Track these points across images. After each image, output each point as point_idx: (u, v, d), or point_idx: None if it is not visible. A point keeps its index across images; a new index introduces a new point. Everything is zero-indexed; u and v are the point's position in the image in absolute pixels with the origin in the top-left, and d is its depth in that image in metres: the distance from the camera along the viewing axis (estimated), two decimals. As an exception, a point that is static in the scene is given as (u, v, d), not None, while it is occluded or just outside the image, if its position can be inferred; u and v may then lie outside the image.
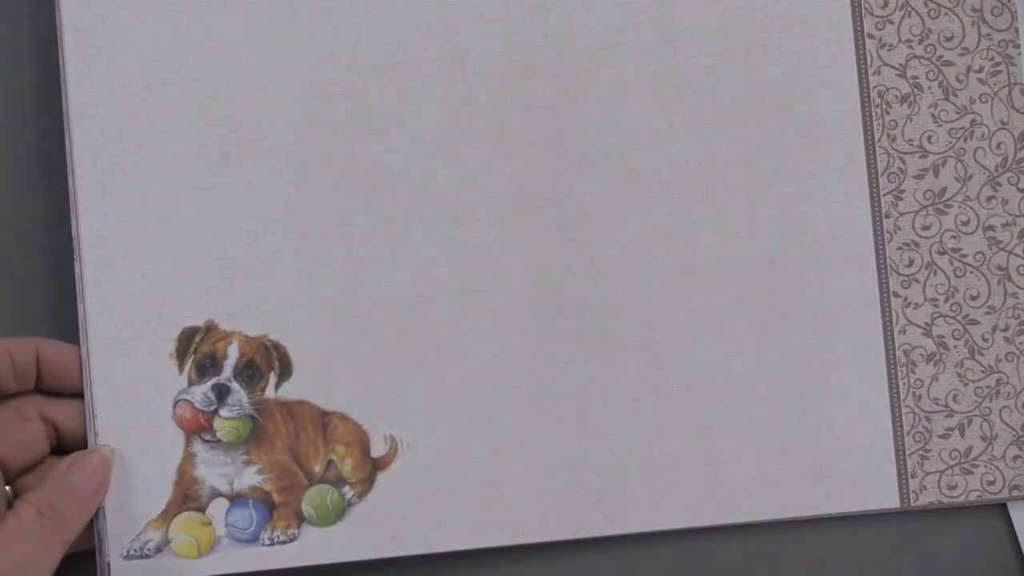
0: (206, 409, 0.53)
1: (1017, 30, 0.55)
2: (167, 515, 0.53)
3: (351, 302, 0.54)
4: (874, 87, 0.55)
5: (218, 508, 0.53)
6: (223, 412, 0.53)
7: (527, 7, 0.54)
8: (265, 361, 0.54)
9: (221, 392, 0.53)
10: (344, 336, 0.54)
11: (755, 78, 0.55)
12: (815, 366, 0.54)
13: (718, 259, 0.54)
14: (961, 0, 0.55)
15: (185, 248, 0.53)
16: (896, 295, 0.55)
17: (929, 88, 0.55)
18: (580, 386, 0.54)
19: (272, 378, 0.54)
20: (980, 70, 0.55)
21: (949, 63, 0.55)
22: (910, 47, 0.55)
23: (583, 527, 0.54)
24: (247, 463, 0.53)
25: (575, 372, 0.54)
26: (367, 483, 0.54)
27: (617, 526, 0.54)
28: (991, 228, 0.55)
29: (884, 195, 0.55)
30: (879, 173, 0.55)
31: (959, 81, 0.55)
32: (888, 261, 0.55)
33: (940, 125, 0.55)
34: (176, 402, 0.53)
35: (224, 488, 0.53)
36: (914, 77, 0.55)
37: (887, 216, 0.55)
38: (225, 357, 0.54)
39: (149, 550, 0.53)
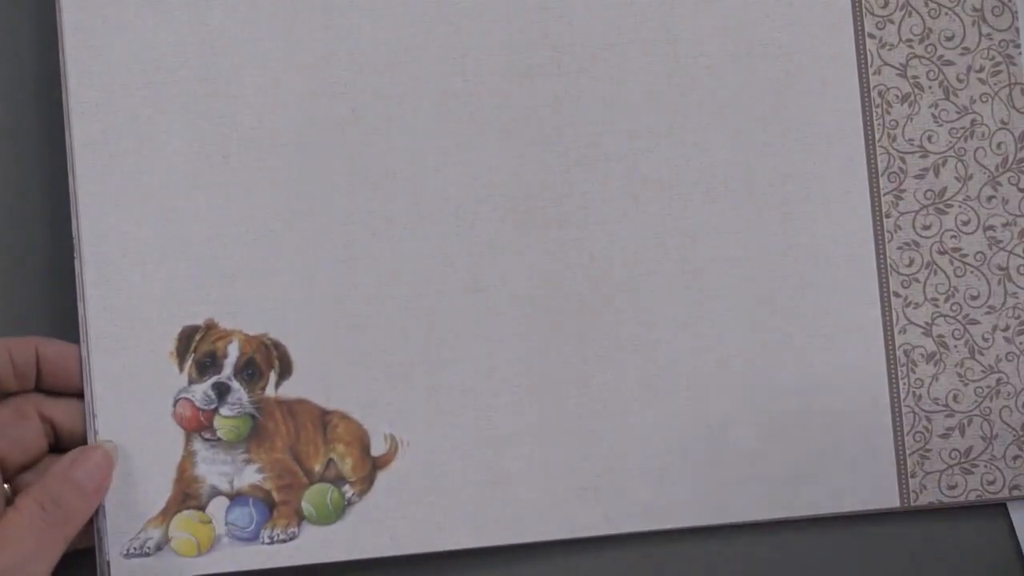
0: (206, 408, 0.53)
1: (1018, 30, 0.55)
2: (167, 513, 0.53)
3: (351, 301, 0.54)
4: (874, 87, 0.55)
5: (218, 506, 0.53)
6: (223, 411, 0.53)
7: (528, 7, 0.54)
8: (265, 360, 0.54)
9: (221, 391, 0.54)
10: (344, 335, 0.54)
11: (756, 78, 0.55)
12: (815, 365, 0.54)
13: (718, 259, 0.54)
14: (962, 0, 0.55)
15: (185, 247, 0.53)
16: (896, 295, 0.55)
17: (930, 88, 0.55)
18: (580, 386, 0.54)
19: (272, 377, 0.54)
20: (981, 70, 0.55)
21: (950, 63, 0.55)
22: (911, 47, 0.55)
23: (583, 527, 0.54)
24: (247, 462, 0.53)
25: (575, 371, 0.54)
26: (367, 482, 0.54)
27: (617, 526, 0.54)
28: (991, 228, 0.55)
29: (884, 195, 0.55)
30: (879, 173, 0.55)
31: (960, 81, 0.55)
32: (888, 261, 0.55)
33: (940, 125, 0.55)
34: (176, 401, 0.53)
35: (224, 487, 0.53)
36: (915, 77, 0.55)
37: (887, 216, 0.55)
38: (225, 356, 0.54)
39: (149, 548, 0.53)
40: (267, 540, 0.53)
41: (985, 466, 0.55)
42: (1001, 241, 0.55)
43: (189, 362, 0.53)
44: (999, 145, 0.55)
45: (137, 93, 0.53)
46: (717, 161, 0.54)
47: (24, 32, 0.56)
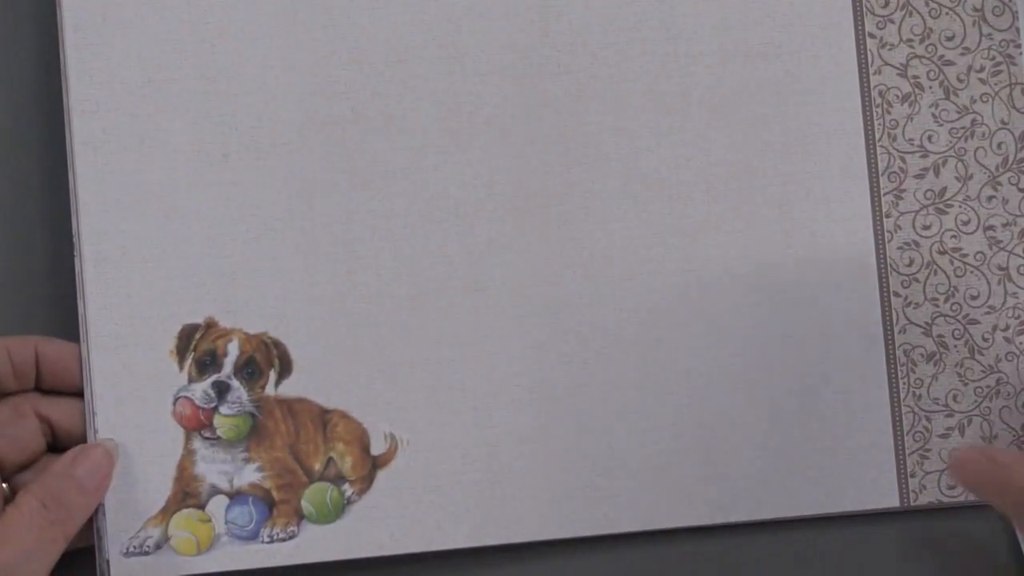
0: (206, 406, 0.53)
1: (1018, 30, 0.55)
2: (167, 512, 0.53)
3: (351, 300, 0.54)
4: (875, 86, 0.55)
5: (218, 505, 0.53)
6: (223, 409, 0.53)
7: (528, 6, 0.54)
8: (265, 358, 0.54)
9: (221, 389, 0.54)
10: (344, 334, 0.54)
11: (756, 77, 0.55)
12: (815, 365, 0.54)
13: (718, 258, 0.54)
14: (962, 0, 0.55)
15: (185, 245, 0.53)
16: (896, 294, 0.55)
17: (930, 88, 0.55)
18: (580, 385, 0.54)
19: (272, 376, 0.54)
20: (981, 70, 0.55)
21: (950, 63, 0.55)
22: (911, 47, 0.55)
23: (582, 526, 0.54)
24: (247, 460, 0.53)
25: (575, 370, 0.54)
26: (367, 481, 0.54)
27: (616, 525, 0.54)
28: (991, 228, 0.55)
29: (884, 194, 0.55)
30: (880, 172, 0.55)
31: (960, 81, 0.55)
32: (888, 260, 0.55)
33: (941, 125, 0.55)
34: (176, 399, 0.53)
35: (224, 485, 0.53)
36: (915, 76, 0.55)
37: (887, 215, 0.55)
38: (225, 354, 0.54)
39: (149, 547, 0.53)
40: (267, 539, 0.53)
41: (985, 466, 0.55)
42: (1001, 241, 0.55)
43: (189, 361, 0.53)
44: (999, 145, 0.55)
45: (137, 92, 0.53)
46: (717, 160, 0.54)
47: (24, 31, 0.56)
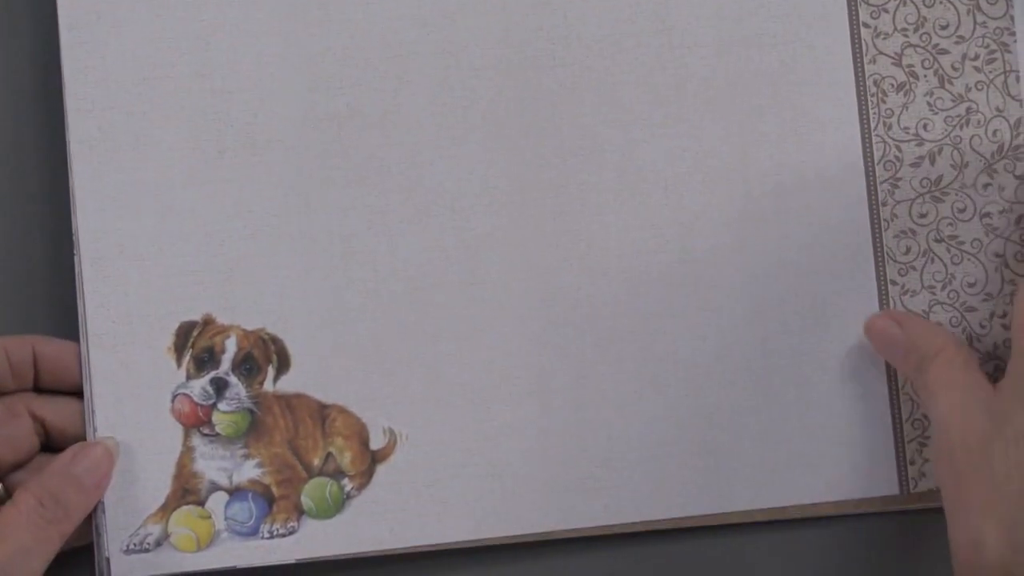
0: (204, 403, 0.53)
1: (1012, 17, 0.55)
2: (166, 509, 0.53)
3: (349, 295, 0.54)
4: (870, 76, 0.55)
5: (217, 502, 0.53)
6: (221, 406, 0.53)
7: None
8: (263, 354, 0.54)
9: (219, 386, 0.54)
10: (342, 329, 0.54)
11: (751, 68, 0.55)
12: (813, 354, 0.54)
13: (715, 249, 0.54)
14: (956, -12, 0.55)
15: (182, 242, 0.53)
16: (893, 283, 0.55)
17: (925, 76, 0.55)
18: (578, 376, 0.54)
19: (270, 371, 0.54)
20: (976, 58, 0.55)
21: (945, 51, 0.55)
22: (905, 35, 0.55)
23: (582, 518, 0.54)
24: (246, 456, 0.53)
25: (573, 362, 0.54)
26: (366, 475, 0.54)
27: (616, 516, 0.54)
28: (988, 215, 0.55)
29: (880, 183, 0.55)
30: (875, 161, 0.55)
31: (955, 69, 0.55)
32: (885, 249, 0.55)
33: (936, 113, 0.55)
34: (174, 396, 0.53)
35: (223, 482, 0.53)
36: (909, 65, 0.55)
37: (884, 204, 0.55)
38: (223, 351, 0.54)
39: (149, 544, 0.53)
40: (267, 535, 0.53)
41: (984, 454, 0.55)
42: (998, 228, 0.55)
43: (187, 358, 0.54)
44: (995, 133, 0.55)
45: (133, 89, 0.53)
46: (713, 151, 0.54)
47: (24, 29, 0.56)
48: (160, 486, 0.53)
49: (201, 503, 0.53)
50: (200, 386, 0.54)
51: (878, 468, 0.54)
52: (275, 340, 0.54)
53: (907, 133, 0.55)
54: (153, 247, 0.53)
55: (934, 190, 0.55)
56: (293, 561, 0.53)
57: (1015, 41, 0.55)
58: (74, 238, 0.53)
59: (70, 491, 0.50)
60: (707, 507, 0.54)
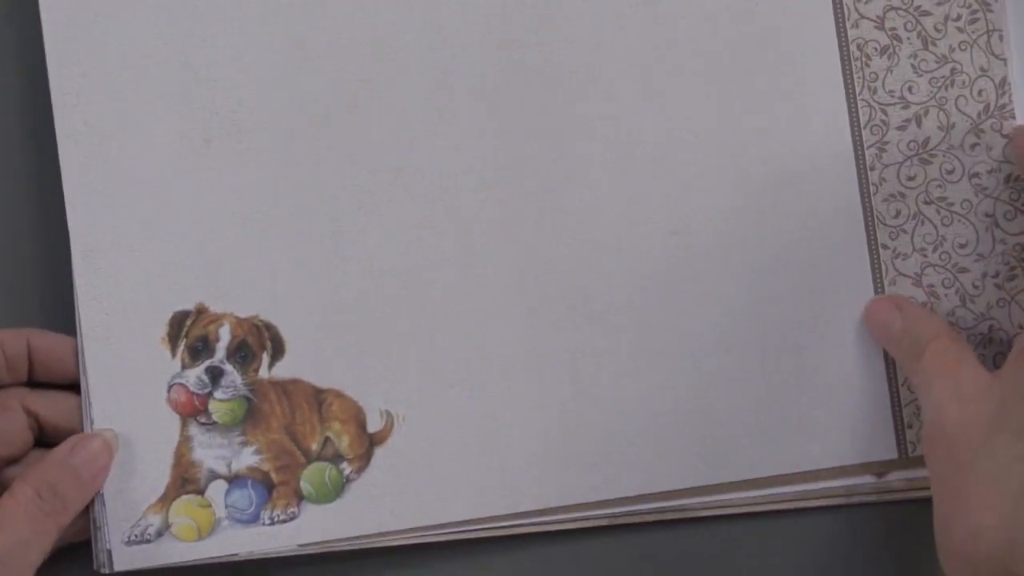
0: (200, 392, 0.53)
1: (993, -23, 0.55)
2: (166, 499, 0.53)
3: (341, 278, 0.54)
4: (853, 40, 0.55)
5: (217, 490, 0.53)
6: (218, 394, 0.53)
7: (503, -24, 0.54)
8: (257, 341, 0.54)
9: (215, 374, 0.53)
10: (335, 313, 0.54)
11: (734, 37, 0.55)
12: (806, 321, 0.54)
13: (706, 219, 0.54)
14: (936, -49, 0.55)
15: (172, 232, 0.53)
16: (884, 247, 0.55)
17: (908, 39, 0.55)
18: (573, 352, 0.54)
19: (265, 358, 0.54)
20: (958, 18, 0.55)
21: (927, 13, 0.55)
22: (887, -1, 0.55)
23: (582, 492, 0.54)
24: (244, 444, 0.53)
25: (567, 338, 0.54)
26: (365, 459, 0.54)
27: (616, 489, 0.54)
28: (976, 175, 0.55)
29: (868, 148, 0.55)
30: (862, 126, 0.55)
31: (937, 30, 0.55)
32: (875, 213, 0.55)
33: (920, 75, 0.55)
34: (170, 386, 0.53)
35: (222, 470, 0.53)
36: (892, 29, 0.55)
37: (871, 168, 0.55)
38: (217, 339, 0.54)
39: (150, 535, 0.53)
40: (267, 521, 0.53)
41: (981, 414, 0.55)
42: (987, 188, 0.55)
43: (181, 347, 0.53)
44: (980, 92, 0.55)
45: (117, 81, 0.53)
46: (699, 122, 0.54)
47: (6, 22, 0.55)
48: (159, 476, 0.53)
49: (201, 492, 0.53)
50: (195, 375, 0.53)
51: (876, 433, 0.54)
52: (269, 326, 0.54)
53: (892, 96, 0.55)
54: (143, 238, 0.53)
55: (922, 152, 0.55)
56: (295, 547, 0.53)
57: (996, 0, 0.55)
58: (70, 231, 0.53)
59: (68, 483, 0.50)
60: (706, 477, 0.54)
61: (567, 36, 0.54)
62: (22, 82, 0.55)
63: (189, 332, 0.53)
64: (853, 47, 0.55)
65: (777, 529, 0.55)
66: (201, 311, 0.54)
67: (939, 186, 0.55)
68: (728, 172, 0.54)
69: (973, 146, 0.55)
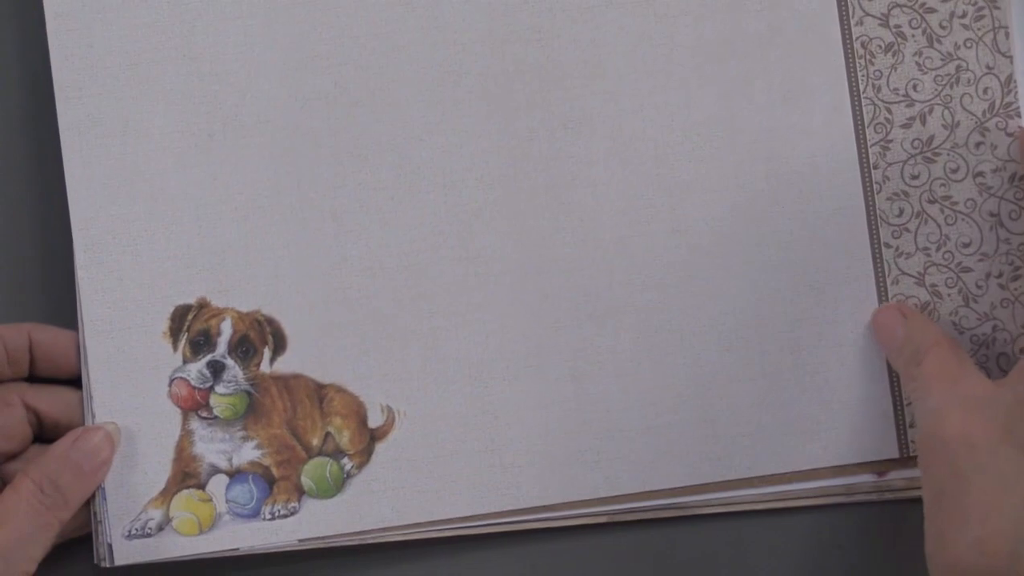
0: (202, 386, 0.54)
1: (999, -26, 0.55)
2: (167, 493, 0.53)
3: (342, 274, 0.54)
4: (857, 38, 0.54)
5: (218, 484, 0.53)
6: (219, 389, 0.54)
7: (507, -28, 0.54)
8: (259, 336, 0.54)
9: (216, 369, 0.54)
10: (337, 308, 0.54)
11: (738, 34, 0.54)
12: (808, 320, 0.54)
13: (707, 216, 0.54)
14: (942, -53, 0.55)
15: (174, 226, 0.53)
16: (887, 245, 0.55)
17: (913, 36, 0.55)
18: (574, 349, 0.54)
19: (266, 353, 0.54)
20: (963, 15, 0.55)
21: (932, 10, 0.55)
22: (893, -4, 0.55)
23: (583, 490, 0.54)
24: (245, 439, 0.54)
25: (568, 335, 0.54)
26: (365, 454, 0.54)
27: (616, 487, 0.54)
28: (981, 174, 0.55)
29: (871, 146, 0.55)
30: (865, 124, 0.55)
31: (943, 27, 0.55)
32: (878, 212, 0.55)
33: (925, 73, 0.55)
34: (172, 380, 0.53)
35: (223, 464, 0.53)
36: (897, 26, 0.55)
37: (875, 167, 0.55)
38: (219, 334, 0.54)
39: (151, 529, 0.53)
40: (268, 516, 0.53)
41: (984, 414, 0.54)
42: (991, 187, 0.55)
43: (183, 341, 0.54)
44: (985, 90, 0.55)
45: (120, 75, 0.53)
46: (702, 119, 0.54)
47: (9, 16, 0.55)
48: (160, 470, 0.53)
49: (202, 486, 0.53)
50: (197, 369, 0.54)
51: (877, 432, 0.54)
52: (270, 321, 0.54)
53: (897, 94, 0.55)
54: (145, 232, 0.53)
55: (926, 151, 0.55)
56: (295, 541, 0.53)
57: (1003, -3, 0.55)
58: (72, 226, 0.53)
59: (69, 476, 0.50)
60: (707, 475, 0.54)
61: (569, 34, 0.54)
62: (25, 75, 0.55)
63: (191, 326, 0.53)
64: (857, 44, 0.54)
65: (777, 527, 0.55)
66: (203, 305, 0.54)
67: (943, 185, 0.55)
68: (730, 170, 0.54)
69: (978, 145, 0.55)
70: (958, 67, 0.55)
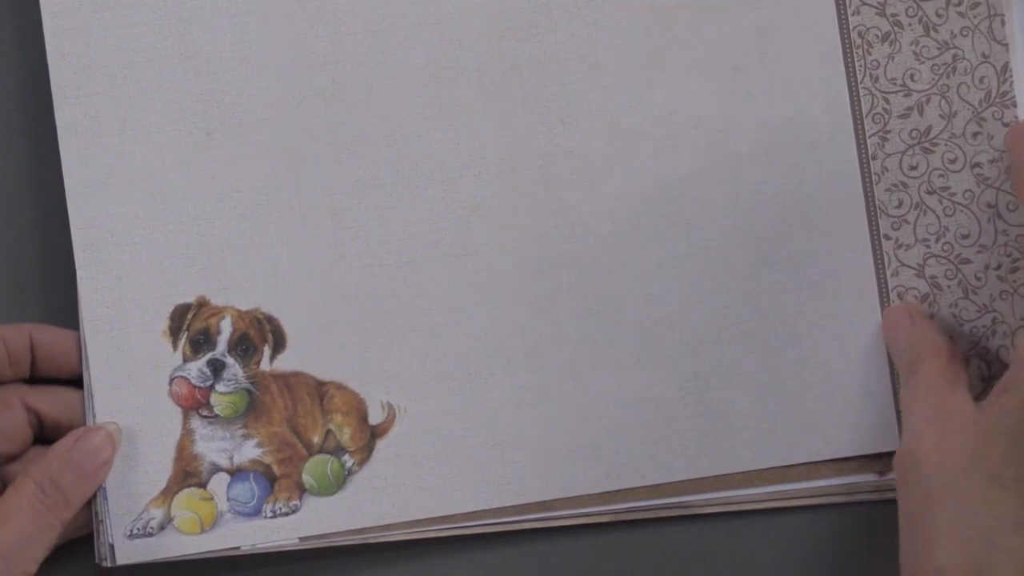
0: (202, 385, 0.54)
1: (994, -38, 0.55)
2: (168, 492, 0.53)
3: (341, 271, 0.54)
4: (854, 28, 0.54)
5: (219, 483, 0.53)
6: (219, 387, 0.54)
7: (502, -33, 0.54)
8: (259, 334, 0.54)
9: (216, 367, 0.54)
10: (336, 305, 0.54)
11: (736, 27, 0.54)
12: (808, 313, 0.54)
13: (706, 210, 0.54)
14: (937, -64, 0.55)
15: (173, 225, 0.53)
16: (887, 237, 0.55)
17: (909, 25, 0.55)
18: (574, 344, 0.54)
19: (266, 351, 0.54)
20: (959, 3, 0.54)
21: (928, -1, 0.55)
22: (888, -15, 0.55)
23: (584, 484, 0.54)
24: (246, 437, 0.53)
25: (568, 330, 0.54)
26: (366, 451, 0.54)
27: (617, 481, 0.54)
28: (978, 165, 0.55)
29: (870, 137, 0.54)
30: (863, 115, 0.54)
31: (939, 16, 0.55)
32: (877, 203, 0.54)
33: (922, 62, 0.55)
34: (172, 379, 0.53)
35: (224, 463, 0.53)
36: (894, 15, 0.55)
37: (874, 158, 0.55)
38: (218, 332, 0.54)
39: (152, 528, 0.53)
40: (269, 514, 0.53)
41: (985, 405, 0.54)
42: (989, 178, 0.55)
43: (183, 340, 0.54)
44: (982, 79, 0.55)
45: (117, 74, 0.53)
46: (700, 113, 0.54)
47: (6, 16, 0.55)
48: (161, 470, 0.53)
49: (203, 485, 0.53)
50: (197, 368, 0.54)
51: (878, 424, 0.54)
52: (270, 319, 0.54)
53: (894, 84, 0.55)
54: (144, 231, 0.53)
55: (924, 141, 0.55)
56: (297, 539, 0.53)
57: (998, -16, 0.55)
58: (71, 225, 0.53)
59: (71, 476, 0.50)
60: (708, 469, 0.54)
61: (566, 28, 0.54)
62: (22, 75, 0.55)
63: (191, 325, 0.54)
64: (854, 34, 0.54)
65: (779, 526, 0.55)
66: (202, 304, 0.54)
67: (941, 176, 0.55)
68: (728, 164, 0.54)
69: (975, 135, 0.55)
70: (955, 56, 0.54)
